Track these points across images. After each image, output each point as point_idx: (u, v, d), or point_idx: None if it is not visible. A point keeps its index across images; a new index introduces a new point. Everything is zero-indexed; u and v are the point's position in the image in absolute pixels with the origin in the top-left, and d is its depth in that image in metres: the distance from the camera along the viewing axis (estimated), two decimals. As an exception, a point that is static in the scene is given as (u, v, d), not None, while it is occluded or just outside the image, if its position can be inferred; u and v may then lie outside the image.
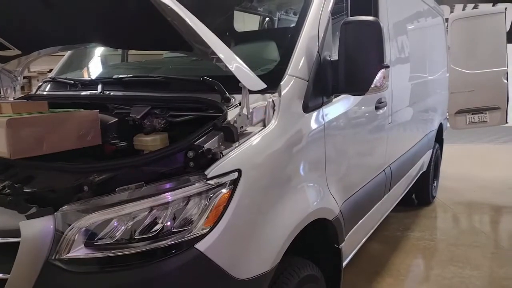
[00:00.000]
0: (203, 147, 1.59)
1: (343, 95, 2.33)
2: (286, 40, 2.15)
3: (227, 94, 1.88)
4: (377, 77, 2.05)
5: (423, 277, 3.51)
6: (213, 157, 1.59)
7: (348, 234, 2.50)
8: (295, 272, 1.96)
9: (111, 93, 2.24)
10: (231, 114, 1.75)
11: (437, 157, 5.05)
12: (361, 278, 3.36)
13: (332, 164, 2.24)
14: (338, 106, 2.32)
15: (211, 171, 1.55)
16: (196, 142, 1.61)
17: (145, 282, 1.43)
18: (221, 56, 1.59)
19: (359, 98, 2.54)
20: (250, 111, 1.76)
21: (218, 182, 1.55)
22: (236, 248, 1.60)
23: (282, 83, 1.94)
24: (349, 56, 2.02)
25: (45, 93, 2.69)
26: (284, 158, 1.88)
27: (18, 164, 1.66)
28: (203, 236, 1.49)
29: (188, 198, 1.50)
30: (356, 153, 2.61)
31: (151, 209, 1.46)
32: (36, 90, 2.84)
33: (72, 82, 2.48)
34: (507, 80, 5.55)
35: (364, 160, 2.78)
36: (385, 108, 2.96)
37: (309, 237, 2.06)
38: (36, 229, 1.42)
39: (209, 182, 1.53)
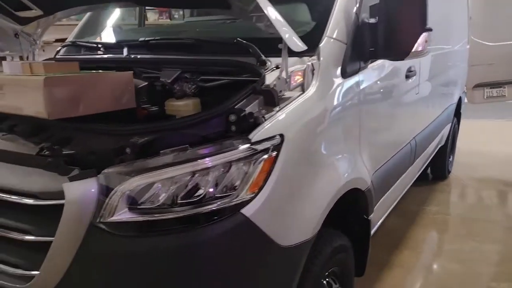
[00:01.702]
0: (245, 110, 1.53)
1: (377, 62, 2.25)
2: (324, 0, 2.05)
3: (263, 57, 1.80)
4: (418, 41, 1.96)
5: (441, 251, 3.49)
6: (255, 122, 1.53)
7: (376, 206, 2.46)
8: (328, 242, 1.92)
9: (138, 57, 2.16)
10: (269, 78, 1.67)
11: (454, 132, 4.98)
12: (380, 251, 3.33)
13: (365, 133, 2.18)
14: (373, 73, 2.24)
15: (255, 136, 1.48)
16: (237, 106, 1.54)
17: (190, 247, 1.39)
18: (269, 13, 1.50)
19: (391, 65, 2.46)
20: (289, 74, 1.69)
21: (262, 147, 1.49)
22: (279, 215, 1.55)
23: (321, 45, 1.85)
24: (389, 18, 1.92)
25: (66, 57, 2.60)
26: (324, 124, 1.81)
27: (54, 125, 1.60)
28: (248, 201, 1.44)
29: (232, 163, 1.44)
30: (387, 122, 2.54)
31: (195, 173, 1.40)
32: (55, 54, 2.75)
33: (96, 45, 2.39)
34: (526, 53, 5.40)
35: (394, 131, 2.72)
36: (414, 77, 2.88)
37: (339, 208, 2.03)
38: (80, 191, 1.37)
39: (253, 146, 1.47)
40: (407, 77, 2.75)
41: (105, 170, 1.40)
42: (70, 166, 1.42)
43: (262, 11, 1.54)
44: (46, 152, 1.45)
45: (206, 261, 1.41)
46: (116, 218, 1.39)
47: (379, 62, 2.28)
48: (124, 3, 2.15)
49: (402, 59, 2.03)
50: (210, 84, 1.85)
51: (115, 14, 3.01)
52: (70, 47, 2.69)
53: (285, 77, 1.67)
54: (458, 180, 5.01)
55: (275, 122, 1.56)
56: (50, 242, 1.40)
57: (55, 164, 1.42)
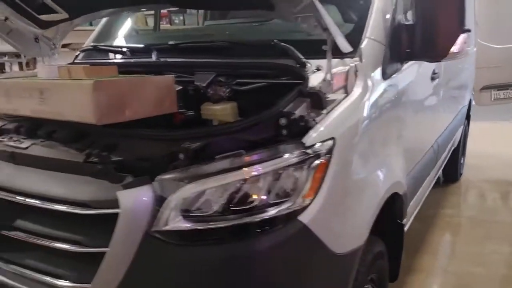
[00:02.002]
0: (295, 114, 1.48)
1: (408, 63, 2.22)
2: (361, 1, 2.01)
3: (303, 59, 1.75)
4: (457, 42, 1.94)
5: (462, 254, 3.44)
6: (305, 125, 1.48)
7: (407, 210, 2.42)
8: (369, 248, 1.88)
9: (168, 60, 2.11)
10: (311, 80, 1.63)
11: (465, 134, 4.97)
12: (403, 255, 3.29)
13: (402, 135, 2.14)
14: (407, 75, 2.21)
15: (309, 140, 1.44)
16: (285, 109, 1.50)
17: (249, 256, 1.34)
18: (322, 14, 1.46)
19: (420, 67, 2.43)
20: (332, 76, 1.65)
21: (316, 151, 1.44)
22: (333, 221, 1.51)
23: (362, 46, 1.82)
24: (426, 19, 1.89)
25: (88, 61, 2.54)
26: (370, 127, 1.77)
27: (96, 131, 1.54)
28: (305, 208, 1.39)
29: (288, 168, 1.39)
30: (418, 125, 2.51)
31: (252, 179, 1.35)
32: (74, 59, 2.69)
33: (121, 49, 2.33)
34: (533, 54, 5.42)
35: (422, 133, 2.69)
36: (438, 80, 2.86)
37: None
38: (135, 199, 1.31)
39: (308, 150, 1.42)
40: (432, 79, 2.73)
41: (160, 177, 1.34)
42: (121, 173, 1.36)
43: (312, 12, 1.50)
44: (95, 159, 1.39)
45: (264, 270, 1.36)
46: (171, 226, 1.33)
47: (410, 63, 2.25)
48: (159, 5, 2.09)
49: (440, 61, 2.00)
50: (247, 87, 1.80)
51: (131, 19, 2.96)
52: (89, 51, 2.63)
53: (329, 79, 1.63)
54: (469, 183, 5.00)
55: (327, 125, 1.52)
56: (103, 253, 1.34)
57: (105, 171, 1.36)
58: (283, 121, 1.46)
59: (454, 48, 1.97)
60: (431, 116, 2.88)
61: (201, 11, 3.46)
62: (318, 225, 1.42)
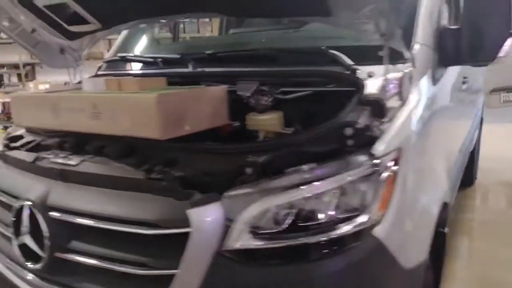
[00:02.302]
0: (359, 123, 1.43)
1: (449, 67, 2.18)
2: (406, 3, 1.97)
3: (354, 66, 1.71)
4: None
5: (491, 260, 3.39)
6: (371, 135, 1.42)
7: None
8: None
9: (206, 70, 2.04)
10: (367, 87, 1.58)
11: (479, 137, 4.96)
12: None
13: (446, 142, 2.11)
14: (448, 79, 2.17)
15: (378, 150, 1.38)
16: (348, 119, 1.44)
17: (325, 276, 1.26)
18: (384, 19, 1.41)
19: (455, 72, 2.40)
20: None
21: (386, 162, 1.39)
22: (403, 235, 1.45)
23: (414, 51, 1.77)
24: (473, 23, 1.85)
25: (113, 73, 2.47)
26: (424, 134, 1.72)
27: (149, 146, 1.47)
28: (378, 222, 1.33)
29: (361, 180, 1.33)
30: (454, 129, 2.48)
31: (325, 193, 1.29)
32: (98, 70, 2.63)
33: (154, 59, 2.26)
34: (543, 56, 5.43)
35: (456, 137, 2.66)
36: (467, 84, 2.83)
37: None
38: (206, 217, 1.24)
39: (377, 161, 1.37)
40: (463, 83, 2.70)
41: (229, 193, 1.28)
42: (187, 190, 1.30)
43: (373, 18, 1.46)
44: (157, 176, 1.32)
45: None
46: (241, 245, 1.27)
47: (449, 68, 2.22)
48: (205, 14, 2.03)
49: (486, 65, 1.97)
50: (291, 96, 1.75)
51: (151, 29, 2.90)
52: (113, 62, 2.57)
53: (385, 86, 1.58)
54: (485, 187, 4.97)
55: (393, 134, 1.46)
56: (170, 275, 1.27)
57: (171, 188, 1.29)
58: (349, 131, 1.40)
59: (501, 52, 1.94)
60: (461, 121, 2.85)
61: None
62: (390, 239, 1.36)
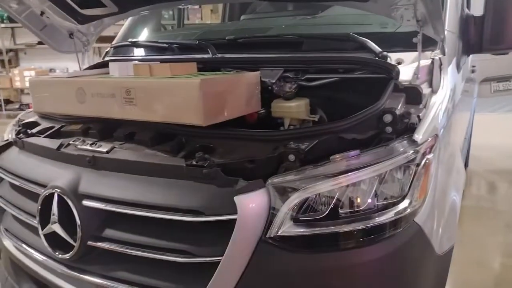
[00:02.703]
0: (398, 109, 1.42)
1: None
2: None
3: (384, 52, 1.70)
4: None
5: (486, 244, 3.47)
6: (410, 121, 1.42)
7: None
8: None
9: (226, 56, 2.00)
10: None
11: (471, 126, 5.05)
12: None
13: (461, 130, 2.13)
14: (466, 67, 2.19)
15: (420, 136, 1.37)
16: (386, 106, 1.43)
17: (366, 263, 1.26)
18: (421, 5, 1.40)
19: (469, 61, 2.42)
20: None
21: (425, 149, 1.39)
22: (436, 221, 1.46)
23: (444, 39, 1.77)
24: (497, 11, 1.87)
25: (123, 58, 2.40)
26: (452, 120, 1.74)
27: (184, 132, 1.44)
28: (418, 208, 1.33)
29: (403, 167, 1.32)
30: (465, 116, 2.51)
31: (369, 180, 1.28)
32: (104, 56, 2.56)
33: (168, 45, 2.20)
34: (533, 46, 5.51)
35: (464, 126, 2.69)
36: (474, 73, 2.87)
37: None
38: (252, 204, 1.22)
39: (418, 148, 1.36)
40: (472, 72, 2.74)
41: (273, 180, 1.26)
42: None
43: (411, 3, 1.45)
44: (199, 162, 1.29)
45: (382, 277, 1.30)
46: (284, 231, 1.25)
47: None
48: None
49: (507, 53, 1.99)
50: (315, 83, 1.73)
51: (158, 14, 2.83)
52: (121, 48, 2.50)
53: (417, 73, 1.57)
54: (477, 174, 5.07)
55: (431, 121, 1.46)
56: (213, 262, 1.25)
57: (214, 175, 1.27)
58: (388, 117, 1.39)
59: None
60: (467, 109, 2.89)
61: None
62: (427, 226, 1.37)
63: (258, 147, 1.36)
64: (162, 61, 1.85)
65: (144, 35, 2.74)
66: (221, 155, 1.36)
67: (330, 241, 1.27)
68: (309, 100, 1.66)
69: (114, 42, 2.66)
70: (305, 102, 1.65)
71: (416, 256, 1.36)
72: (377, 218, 1.26)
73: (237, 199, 1.22)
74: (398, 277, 1.33)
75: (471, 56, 2.38)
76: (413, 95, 1.51)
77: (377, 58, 1.69)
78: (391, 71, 1.56)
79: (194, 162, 1.30)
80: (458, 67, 1.89)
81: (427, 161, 1.38)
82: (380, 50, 1.70)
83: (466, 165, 4.97)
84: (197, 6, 7.09)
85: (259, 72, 1.63)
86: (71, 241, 1.42)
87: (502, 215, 3.92)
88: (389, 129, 1.39)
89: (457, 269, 3.03)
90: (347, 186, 1.26)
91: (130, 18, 2.74)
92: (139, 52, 2.42)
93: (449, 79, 1.77)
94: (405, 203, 1.30)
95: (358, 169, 1.26)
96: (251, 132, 1.41)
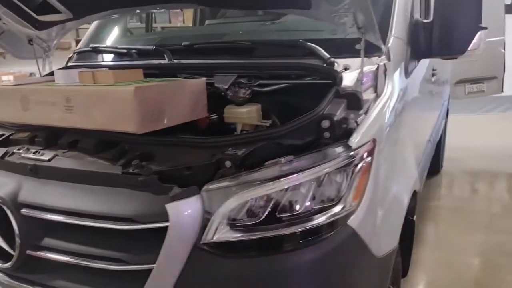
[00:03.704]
0: (336, 115, 1.45)
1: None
2: None
3: (331, 59, 1.73)
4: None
5: (456, 245, 3.51)
6: (347, 127, 1.45)
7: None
8: None
9: (182, 62, 2.02)
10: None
11: (445, 127, 5.11)
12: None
13: (416, 133, 2.17)
14: (420, 71, 2.23)
15: (354, 142, 1.41)
16: (325, 111, 1.46)
17: (300, 266, 1.29)
18: (361, 12, 1.43)
19: (426, 64, 2.46)
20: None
21: (361, 153, 1.42)
22: (375, 224, 1.49)
23: (389, 45, 1.80)
24: (445, 17, 1.90)
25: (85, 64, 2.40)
26: (396, 126, 1.77)
27: (125, 139, 1.45)
28: (352, 212, 1.36)
29: (337, 172, 1.35)
30: (423, 120, 2.55)
31: (303, 184, 1.31)
32: (67, 62, 2.55)
33: (128, 51, 2.21)
34: (504, 49, 5.62)
35: (425, 128, 2.74)
36: (436, 76, 2.91)
37: None
38: (185, 211, 1.24)
39: (353, 153, 1.39)
40: (432, 75, 2.78)
41: (208, 187, 1.28)
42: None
43: (351, 10, 1.48)
44: (135, 170, 1.31)
45: (316, 280, 1.32)
46: (219, 237, 1.27)
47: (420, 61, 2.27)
48: (182, 4, 1.98)
49: (456, 58, 2.03)
50: (269, 88, 1.76)
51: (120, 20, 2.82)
52: (85, 53, 2.50)
53: (361, 78, 1.60)
54: (451, 174, 5.14)
55: (368, 126, 1.49)
56: (147, 270, 1.26)
57: (149, 182, 1.28)
58: (326, 123, 1.41)
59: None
60: (429, 111, 2.93)
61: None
62: (363, 229, 1.39)
63: (197, 154, 1.37)
64: (118, 67, 1.86)
65: (109, 39, 2.73)
66: (159, 163, 1.37)
67: (263, 246, 1.29)
68: (263, 105, 1.68)
69: (78, 47, 2.66)
70: (256, 107, 1.67)
71: (350, 258, 1.38)
72: (308, 223, 1.29)
73: (169, 206, 1.23)
74: (333, 279, 1.35)
75: (429, 59, 2.43)
76: (354, 101, 1.53)
77: (324, 64, 1.72)
78: (335, 77, 1.59)
79: (130, 170, 1.31)
80: (407, 72, 1.92)
81: (364, 164, 1.41)
82: (328, 56, 1.73)
83: (439, 166, 5.04)
84: (178, 10, 7.07)
85: (205, 79, 1.65)
86: (10, 251, 1.42)
87: (476, 216, 3.97)
88: (327, 134, 1.42)
89: (425, 270, 3.09)
90: (280, 191, 1.29)
91: (95, 22, 2.75)
92: (100, 58, 2.42)
93: (396, 84, 1.81)
94: (338, 207, 1.33)
95: (289, 174, 1.29)
96: (191, 139, 1.43)
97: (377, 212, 1.50)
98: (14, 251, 1.42)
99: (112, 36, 2.77)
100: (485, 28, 1.96)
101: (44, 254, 1.40)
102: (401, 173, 1.76)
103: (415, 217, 2.29)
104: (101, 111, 1.32)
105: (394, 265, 1.94)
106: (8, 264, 1.43)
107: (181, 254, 1.25)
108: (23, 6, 2.03)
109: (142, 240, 1.30)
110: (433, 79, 2.82)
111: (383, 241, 1.55)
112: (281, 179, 1.28)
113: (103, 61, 2.36)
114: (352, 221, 1.35)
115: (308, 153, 1.36)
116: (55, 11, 2.03)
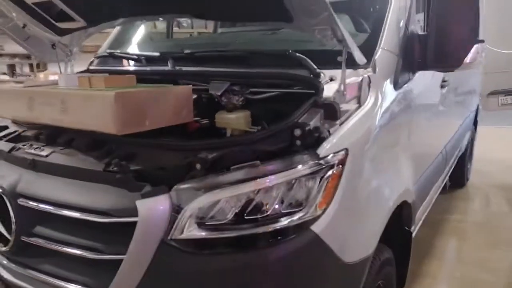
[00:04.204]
0: (309, 125, 1.51)
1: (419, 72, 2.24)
2: (375, 11, 2.04)
3: (317, 70, 1.78)
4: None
5: (470, 260, 3.45)
6: (319, 136, 1.51)
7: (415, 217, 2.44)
8: (377, 256, 1.90)
9: (183, 69, 2.14)
10: (326, 91, 1.66)
11: (472, 139, 4.98)
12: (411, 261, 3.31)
13: (411, 144, 2.17)
14: (418, 84, 2.23)
15: (322, 151, 1.47)
16: (300, 120, 1.53)
17: (261, 265, 1.37)
18: (339, 26, 1.49)
19: (430, 76, 2.46)
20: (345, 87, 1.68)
21: (329, 162, 1.47)
22: (344, 231, 1.54)
23: (376, 57, 1.84)
24: (440, 29, 1.91)
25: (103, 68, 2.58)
26: (382, 138, 1.80)
27: (114, 140, 1.58)
28: (317, 218, 1.42)
29: (302, 178, 1.42)
30: (427, 133, 2.54)
31: (266, 188, 1.38)
32: (89, 65, 2.73)
33: (137, 57, 2.37)
34: (541, 60, 5.40)
35: (432, 141, 2.72)
36: (447, 87, 2.88)
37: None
38: (153, 208, 1.35)
39: (321, 162, 1.45)
40: (442, 87, 2.75)
41: (178, 187, 1.38)
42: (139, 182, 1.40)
43: (329, 24, 1.53)
44: (114, 168, 1.43)
45: (276, 280, 1.40)
46: (186, 235, 1.37)
47: (421, 72, 2.27)
48: (179, 15, 2.12)
49: (453, 71, 2.03)
50: (260, 96, 1.83)
51: (143, 25, 2.99)
52: (104, 58, 2.67)
53: (342, 90, 1.65)
54: (476, 188, 5.00)
55: (340, 136, 1.55)
56: (120, 260, 1.38)
57: (124, 180, 1.40)
58: (297, 132, 1.48)
59: (467, 58, 2.00)
60: (440, 124, 2.90)
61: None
62: (329, 235, 1.45)
63: (173, 156, 1.48)
64: (127, 72, 2.00)
65: (128, 45, 2.90)
66: (138, 162, 1.49)
67: (228, 244, 1.38)
68: (254, 112, 1.77)
69: (98, 52, 2.85)
70: (244, 114, 1.76)
71: (313, 262, 1.44)
72: (270, 225, 1.37)
73: (139, 202, 1.35)
74: (294, 280, 1.42)
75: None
76: (330, 111, 1.59)
77: (311, 75, 1.78)
78: (317, 88, 1.66)
79: (110, 168, 1.44)
80: (397, 85, 1.94)
81: (334, 172, 1.47)
82: (315, 67, 1.79)
83: (464, 179, 4.91)
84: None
85: (191, 86, 1.75)
86: (8, 236, 1.59)
87: (492, 231, 3.86)
88: (298, 142, 1.48)
89: (429, 282, 3.05)
90: (243, 193, 1.37)
91: (116, 28, 2.93)
92: (116, 63, 2.59)
93: (382, 96, 1.84)
94: (301, 213, 1.40)
95: (253, 178, 1.37)
96: (170, 142, 1.54)
97: (348, 219, 1.55)
98: (11, 236, 1.58)
99: (132, 42, 2.94)
100: (482, 41, 1.95)
101: (35, 240, 1.56)
102: (384, 184, 1.79)
103: (412, 227, 2.30)
104: (88, 113, 1.46)
105: (380, 274, 1.98)
106: (6, 247, 1.61)
107: (149, 248, 1.36)
108: (44, 15, 2.22)
109: (117, 233, 1.42)
110: (443, 90, 2.80)
111: (355, 247, 1.59)
112: (244, 183, 1.37)
113: (117, 66, 2.52)
114: (316, 226, 1.41)
115: (275, 159, 1.43)
116: (72, 19, 2.21)
